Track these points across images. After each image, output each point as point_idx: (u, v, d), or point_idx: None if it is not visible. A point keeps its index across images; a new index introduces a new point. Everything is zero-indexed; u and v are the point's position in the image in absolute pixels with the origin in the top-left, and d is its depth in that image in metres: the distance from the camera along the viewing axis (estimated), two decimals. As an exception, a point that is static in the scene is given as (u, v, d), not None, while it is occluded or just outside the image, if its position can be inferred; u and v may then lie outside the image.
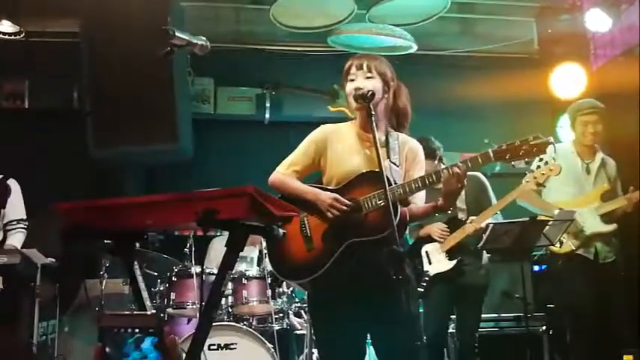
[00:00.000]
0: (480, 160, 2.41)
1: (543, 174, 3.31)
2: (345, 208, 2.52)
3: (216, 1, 5.65)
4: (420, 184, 2.48)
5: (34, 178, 5.08)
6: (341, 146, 2.69)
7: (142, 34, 4.48)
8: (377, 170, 2.43)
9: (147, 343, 0.89)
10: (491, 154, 2.41)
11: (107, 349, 0.90)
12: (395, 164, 2.62)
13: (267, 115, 5.82)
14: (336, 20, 5.19)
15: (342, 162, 2.65)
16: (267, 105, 5.82)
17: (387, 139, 2.67)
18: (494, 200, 4.16)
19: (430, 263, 4.05)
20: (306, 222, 2.60)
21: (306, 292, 2.93)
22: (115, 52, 4.65)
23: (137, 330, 0.89)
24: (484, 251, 4.14)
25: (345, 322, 2.53)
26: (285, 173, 2.72)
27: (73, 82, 5.35)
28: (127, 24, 4.65)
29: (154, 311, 1.86)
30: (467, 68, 5.91)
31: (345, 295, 2.51)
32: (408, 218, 2.57)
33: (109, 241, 2.18)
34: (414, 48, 5.32)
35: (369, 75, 2.64)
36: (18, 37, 5.18)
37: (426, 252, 4.08)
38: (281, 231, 2.01)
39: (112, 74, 4.63)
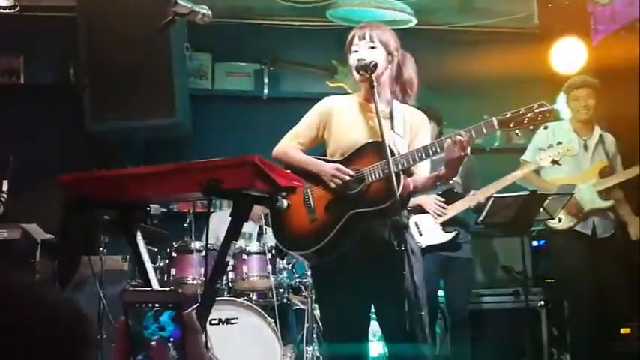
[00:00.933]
0: (483, 129, 2.40)
1: (559, 153, 3.29)
2: (347, 178, 2.51)
3: (214, -25, 5.56)
4: (424, 154, 2.47)
5: (31, 155, 5.05)
6: (345, 118, 2.68)
7: (139, 8, 4.43)
8: (380, 141, 2.41)
9: (165, 317, 0.93)
10: (495, 123, 2.39)
11: (130, 322, 0.94)
12: (399, 135, 2.61)
13: (266, 91, 5.77)
14: (335, -7, 5.13)
15: (346, 134, 2.65)
16: (266, 80, 5.76)
17: (391, 110, 2.65)
18: (478, 184, 4.19)
19: (421, 234, 4.04)
20: (309, 193, 2.59)
21: (309, 265, 2.93)
22: (112, 26, 4.60)
23: (157, 304, 0.94)
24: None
25: (348, 293, 2.54)
26: (289, 145, 2.72)
27: (69, 58, 5.28)
28: (124, -3, 4.60)
29: (173, 287, 1.86)
30: (466, 43, 5.86)
31: (349, 266, 2.51)
32: (411, 189, 2.56)
33: (108, 217, 2.17)
34: (413, 22, 5.26)
35: (372, 45, 2.62)
36: (12, 10, 5.10)
37: (416, 223, 4.07)
38: (285, 202, 2.00)
39: (109, 48, 4.58)
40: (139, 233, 2.14)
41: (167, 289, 1.70)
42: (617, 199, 4.27)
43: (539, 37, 5.60)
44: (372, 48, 2.61)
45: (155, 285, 2.13)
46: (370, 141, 2.57)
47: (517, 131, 2.35)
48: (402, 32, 5.13)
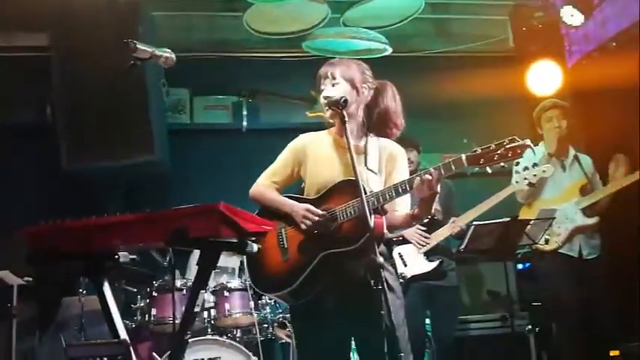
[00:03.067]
0: (452, 165, 2.34)
1: (535, 175, 3.28)
2: (317, 218, 2.49)
3: (189, 9, 5.58)
4: (394, 192, 2.43)
5: (8, 195, 4.98)
6: (319, 155, 2.67)
7: (112, 46, 4.41)
8: (352, 179, 2.38)
9: None
10: (464, 160, 2.32)
11: None
12: (373, 171, 2.58)
13: (245, 123, 5.77)
14: (311, 25, 5.14)
15: (321, 171, 2.63)
16: (244, 113, 5.76)
17: (365, 144, 2.63)
18: (456, 209, 4.18)
19: (406, 265, 4.02)
20: (283, 234, 2.57)
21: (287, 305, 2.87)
22: (87, 64, 4.58)
23: (105, 358, 0.89)
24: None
25: (326, 333, 2.50)
26: (265, 184, 2.71)
27: (46, 97, 5.24)
28: (98, 35, 4.59)
29: (123, 338, 1.82)
30: (443, 68, 5.88)
31: (324, 305, 2.48)
32: (385, 227, 2.51)
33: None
34: (388, 51, 5.28)
35: (334, 82, 2.64)
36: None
37: (399, 254, 4.04)
38: (255, 246, 1.97)
39: (84, 87, 4.56)
40: (106, 284, 2.10)
41: (114, 340, 1.66)
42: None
43: (515, 60, 5.64)
44: (336, 84, 2.63)
45: (123, 335, 2.07)
46: (343, 179, 2.54)
47: (488, 168, 2.30)
48: (378, 60, 5.22)
